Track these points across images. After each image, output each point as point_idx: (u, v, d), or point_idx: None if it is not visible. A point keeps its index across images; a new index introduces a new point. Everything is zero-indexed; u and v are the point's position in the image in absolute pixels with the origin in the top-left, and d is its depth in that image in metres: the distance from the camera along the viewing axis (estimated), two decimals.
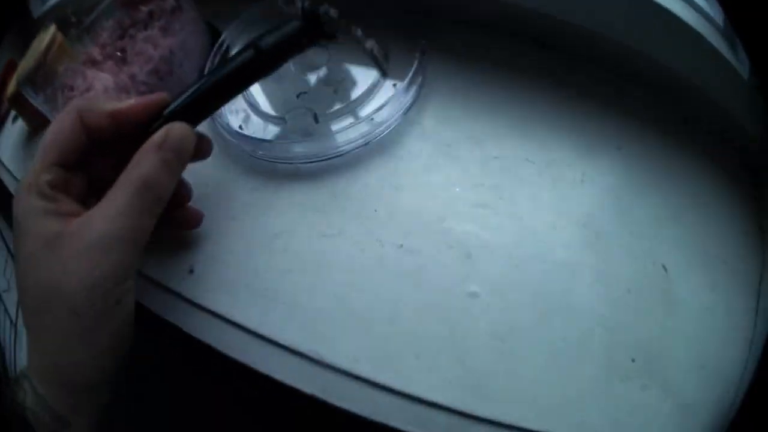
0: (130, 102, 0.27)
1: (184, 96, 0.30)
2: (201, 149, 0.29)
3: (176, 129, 0.26)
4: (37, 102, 0.39)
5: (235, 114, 0.35)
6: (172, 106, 0.30)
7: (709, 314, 0.27)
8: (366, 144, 0.32)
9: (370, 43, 0.30)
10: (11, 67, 0.54)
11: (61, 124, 0.25)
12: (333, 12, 0.31)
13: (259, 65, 0.31)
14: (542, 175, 0.31)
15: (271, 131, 0.34)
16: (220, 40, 0.38)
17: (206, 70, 0.37)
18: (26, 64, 0.47)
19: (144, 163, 0.25)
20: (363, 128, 0.31)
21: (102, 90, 0.38)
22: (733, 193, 0.30)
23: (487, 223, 0.30)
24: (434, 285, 0.29)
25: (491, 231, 0.30)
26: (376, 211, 0.31)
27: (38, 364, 0.24)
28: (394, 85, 0.33)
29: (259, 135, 0.33)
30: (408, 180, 0.31)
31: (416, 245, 0.30)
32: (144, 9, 0.42)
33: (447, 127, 0.32)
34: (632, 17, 0.30)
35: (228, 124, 0.33)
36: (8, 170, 0.51)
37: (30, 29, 0.59)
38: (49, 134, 0.26)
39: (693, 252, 0.29)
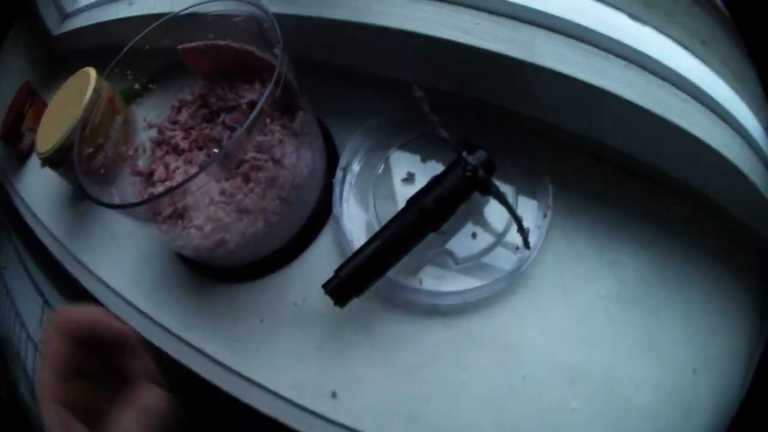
0: (104, 324, 0.28)
1: (355, 260, 0.32)
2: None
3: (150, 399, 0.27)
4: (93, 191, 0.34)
5: None
6: (344, 269, 0.32)
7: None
8: (500, 290, 0.36)
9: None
10: (28, 93, 0.48)
11: (52, 347, 0.27)
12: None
13: (424, 225, 0.33)
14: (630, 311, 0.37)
15: (408, 268, 0.36)
16: (344, 161, 0.38)
17: (337, 200, 0.36)
18: (65, 118, 0.42)
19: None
20: (498, 274, 0.35)
21: (206, 202, 0.34)
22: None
23: (591, 354, 0.36)
24: (546, 404, 0.35)
25: (593, 362, 0.36)
26: (505, 348, 0.36)
27: None
28: (526, 230, 0.35)
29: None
30: (531, 320, 0.36)
31: (536, 375, 0.36)
32: (243, 96, 0.39)
33: (565, 269, 0.37)
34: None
35: None
36: (35, 216, 0.47)
37: (45, 43, 0.51)
38: (47, 358, 0.27)
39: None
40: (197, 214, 0.35)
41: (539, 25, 0.35)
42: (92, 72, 0.44)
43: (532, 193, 0.38)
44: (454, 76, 0.37)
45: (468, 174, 0.33)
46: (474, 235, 0.36)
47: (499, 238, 0.36)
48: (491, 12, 0.35)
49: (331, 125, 0.42)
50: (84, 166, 0.36)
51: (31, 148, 0.45)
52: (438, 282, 0.35)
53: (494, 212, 0.37)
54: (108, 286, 0.42)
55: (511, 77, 0.36)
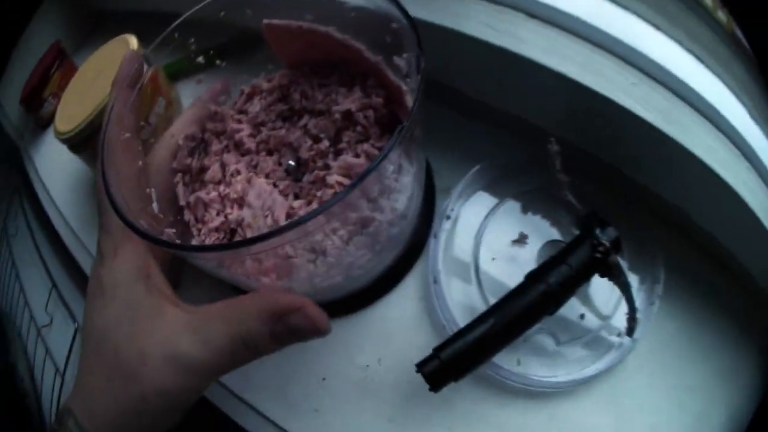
0: None
1: (461, 342, 0.28)
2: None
3: (309, 316, 0.23)
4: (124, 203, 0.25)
5: None
6: (446, 351, 0.28)
7: None
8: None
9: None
10: (57, 53, 0.39)
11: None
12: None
13: (545, 307, 0.29)
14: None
15: None
16: (449, 207, 0.32)
17: (437, 254, 0.31)
18: (93, 93, 0.34)
19: (251, 326, 0.22)
20: (613, 356, 0.31)
21: (264, 214, 0.27)
22: None
23: None
24: None
25: None
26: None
27: (83, 405, 0.24)
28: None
29: None
30: (611, 408, 0.32)
31: None
32: (337, 101, 0.30)
33: (654, 358, 0.33)
34: None
35: None
36: (51, 199, 0.39)
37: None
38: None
39: None
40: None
41: (696, 109, 0.31)
42: (133, 40, 0.35)
43: (636, 274, 0.34)
44: (589, 134, 0.32)
45: (598, 256, 0.29)
46: (582, 317, 0.32)
47: (605, 321, 0.32)
48: (649, 75, 0.30)
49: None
50: None
51: (52, 117, 0.36)
52: (535, 364, 0.31)
53: (601, 292, 0.33)
54: None
55: (652, 151, 0.31)
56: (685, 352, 0.34)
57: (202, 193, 0.29)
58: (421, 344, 0.32)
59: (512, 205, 0.34)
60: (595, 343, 0.32)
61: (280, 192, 0.28)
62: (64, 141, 0.34)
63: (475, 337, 0.28)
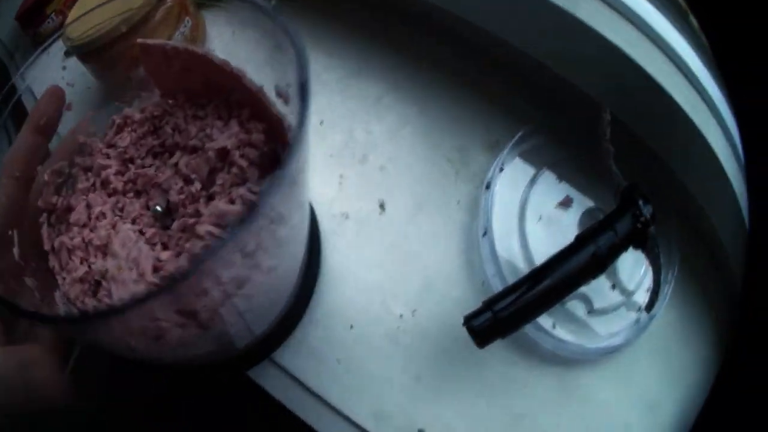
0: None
1: (513, 298, 0.27)
2: None
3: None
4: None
5: None
6: (500, 305, 0.26)
7: None
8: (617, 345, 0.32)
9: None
10: None
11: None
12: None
13: (592, 271, 0.29)
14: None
15: None
16: (500, 163, 0.32)
17: (488, 208, 0.30)
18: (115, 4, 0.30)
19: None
20: (631, 330, 0.31)
21: (129, 267, 0.24)
22: None
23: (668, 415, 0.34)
24: None
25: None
26: (604, 407, 0.32)
27: None
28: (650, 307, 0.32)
29: None
30: (631, 380, 0.32)
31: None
32: (212, 136, 0.26)
33: (669, 333, 0.33)
34: None
35: None
36: None
37: None
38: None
39: None
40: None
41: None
42: None
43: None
44: (628, 107, 0.33)
45: (639, 227, 0.29)
46: (613, 287, 0.32)
47: (628, 297, 0.33)
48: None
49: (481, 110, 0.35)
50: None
51: (52, 34, 0.31)
52: (567, 330, 0.31)
53: (627, 269, 0.33)
54: None
55: (674, 127, 0.33)
56: (684, 338, 0.35)
57: (65, 237, 0.25)
58: (459, 300, 0.31)
59: (557, 170, 0.34)
60: (618, 316, 0.32)
61: (147, 240, 0.25)
62: (75, 48, 0.29)
63: (532, 293, 0.27)
